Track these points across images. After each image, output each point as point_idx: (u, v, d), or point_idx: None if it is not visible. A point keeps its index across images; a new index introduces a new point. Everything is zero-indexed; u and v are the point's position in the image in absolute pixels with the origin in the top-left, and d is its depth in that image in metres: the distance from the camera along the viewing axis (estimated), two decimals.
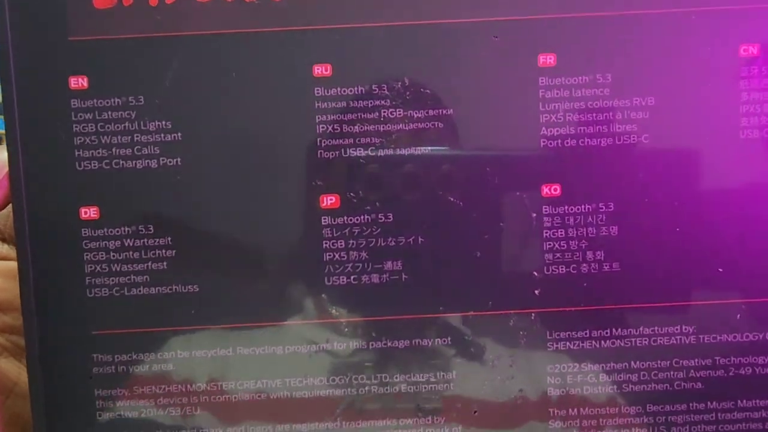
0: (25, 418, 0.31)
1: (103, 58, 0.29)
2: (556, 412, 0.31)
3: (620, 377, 0.31)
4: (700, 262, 0.30)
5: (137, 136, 0.30)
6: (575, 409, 0.31)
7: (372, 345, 0.30)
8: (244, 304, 0.30)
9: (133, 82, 0.29)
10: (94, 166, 0.30)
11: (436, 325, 0.30)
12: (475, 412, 0.31)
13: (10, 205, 0.30)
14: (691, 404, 0.31)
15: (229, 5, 0.29)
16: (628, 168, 0.30)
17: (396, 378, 0.31)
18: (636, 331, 0.30)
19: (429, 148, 0.30)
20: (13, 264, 0.31)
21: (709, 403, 0.31)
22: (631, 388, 0.31)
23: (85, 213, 0.30)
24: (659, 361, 0.31)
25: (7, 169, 0.30)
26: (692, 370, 0.31)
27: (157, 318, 0.30)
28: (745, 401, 0.31)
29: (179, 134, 0.30)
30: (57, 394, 0.30)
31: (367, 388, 0.31)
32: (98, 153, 0.30)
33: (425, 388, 0.31)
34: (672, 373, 0.31)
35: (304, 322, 0.30)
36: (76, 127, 0.30)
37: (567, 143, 0.30)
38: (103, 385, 0.30)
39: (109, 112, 0.30)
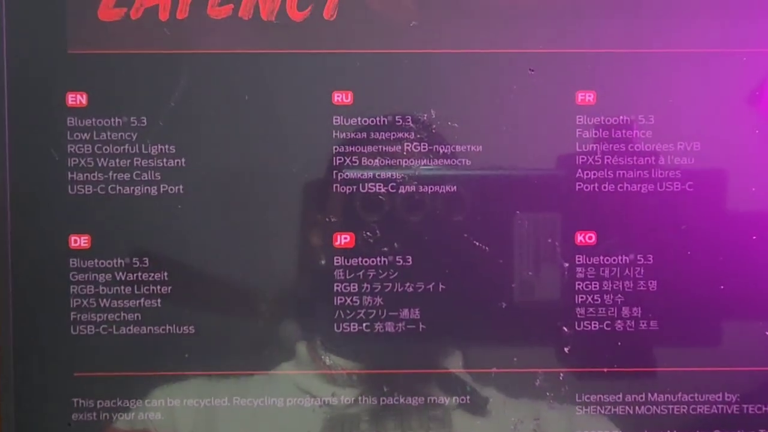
0: None
1: (105, 74, 0.27)
2: None
3: None
4: (745, 324, 0.28)
5: (137, 160, 0.27)
6: None
7: (383, 401, 0.27)
8: (245, 349, 0.27)
9: (137, 101, 0.27)
10: (88, 190, 0.27)
11: (454, 382, 0.28)
12: None
13: None
14: None
15: (246, 23, 0.27)
16: (669, 218, 0.27)
17: None
18: (674, 398, 0.28)
19: (455, 187, 0.27)
20: None
21: None
22: None
23: (75, 242, 0.27)
24: None
25: None
26: None
27: (146, 361, 0.27)
28: None
29: (183, 160, 0.27)
30: None
31: None
32: (93, 176, 0.27)
33: None
34: None
35: (307, 373, 0.28)
36: (71, 147, 0.27)
37: (604, 188, 0.27)
38: None
39: (108, 133, 0.27)
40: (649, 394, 0.28)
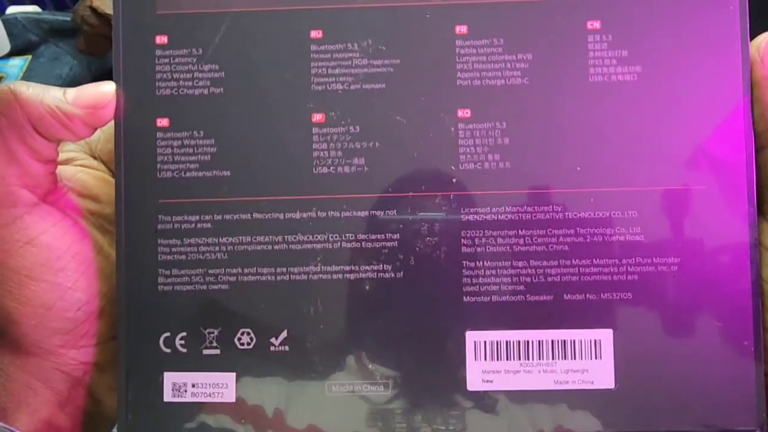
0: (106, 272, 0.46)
1: (177, 23, 0.46)
2: (467, 264, 0.45)
3: (514, 240, 0.45)
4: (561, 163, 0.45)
5: (196, 74, 0.46)
6: (482, 261, 0.45)
7: (341, 216, 0.45)
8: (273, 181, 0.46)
9: (195, 39, 0.46)
10: (167, 92, 0.46)
11: (393, 204, 0.45)
12: None
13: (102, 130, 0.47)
14: (560, 261, 0.45)
15: None
16: (520, 98, 0.45)
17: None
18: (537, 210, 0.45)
19: (383, 84, 0.46)
20: (102, 174, 0.47)
21: (573, 260, 0.45)
22: (520, 248, 0.45)
23: (160, 122, 0.46)
24: (538, 230, 0.45)
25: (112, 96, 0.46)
26: (561, 237, 0.45)
27: (202, 188, 0.46)
28: (597, 260, 0.45)
29: (223, 73, 0.46)
30: (129, 253, 0.45)
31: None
32: (171, 84, 0.46)
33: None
34: (547, 238, 0.45)
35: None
36: (158, 67, 0.46)
37: (476, 83, 0.45)
38: (166, 236, 0.46)
39: (179, 58, 0.46)
40: (517, 207, 0.45)
